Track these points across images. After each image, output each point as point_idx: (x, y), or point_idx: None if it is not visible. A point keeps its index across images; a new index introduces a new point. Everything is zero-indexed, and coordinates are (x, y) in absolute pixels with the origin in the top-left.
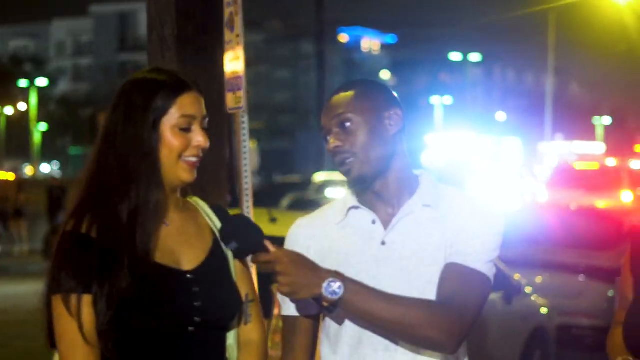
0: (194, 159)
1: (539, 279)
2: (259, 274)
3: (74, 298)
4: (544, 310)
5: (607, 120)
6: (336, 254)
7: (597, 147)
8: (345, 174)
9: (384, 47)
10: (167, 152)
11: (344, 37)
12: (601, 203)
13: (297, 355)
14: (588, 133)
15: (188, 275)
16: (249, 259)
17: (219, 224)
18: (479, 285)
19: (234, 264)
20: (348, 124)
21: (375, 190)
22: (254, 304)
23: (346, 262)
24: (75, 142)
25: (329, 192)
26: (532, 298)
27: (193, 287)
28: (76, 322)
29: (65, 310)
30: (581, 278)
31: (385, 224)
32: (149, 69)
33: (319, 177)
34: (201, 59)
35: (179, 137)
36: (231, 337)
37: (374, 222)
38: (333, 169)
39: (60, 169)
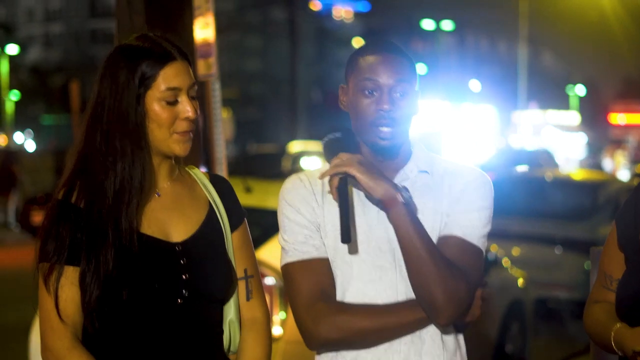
0: (185, 131)
1: (515, 251)
2: None
3: (56, 268)
4: (520, 283)
5: (581, 89)
6: (333, 215)
7: (572, 116)
8: (383, 137)
9: (356, 15)
10: (155, 126)
11: (315, 5)
12: (576, 173)
13: (329, 288)
14: (562, 102)
15: (176, 247)
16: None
17: (216, 196)
18: (477, 259)
19: (231, 238)
20: (401, 95)
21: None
22: (254, 280)
23: None
24: (47, 110)
25: (304, 162)
26: (509, 270)
27: (181, 259)
28: (52, 293)
29: (45, 283)
30: (557, 250)
31: None
32: (137, 35)
33: (295, 146)
34: (170, 24)
35: (165, 111)
36: (231, 312)
37: None
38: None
39: (33, 138)
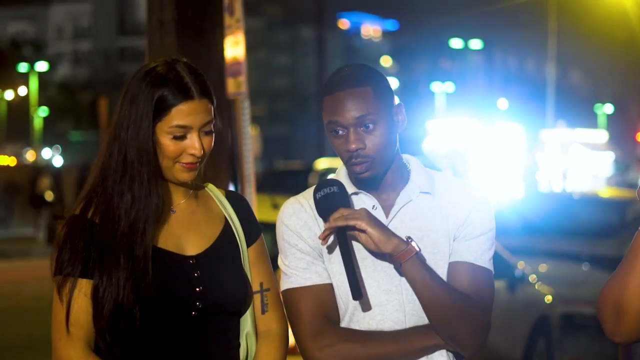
0: (189, 163)
1: (542, 268)
2: None
3: (69, 280)
4: (548, 299)
5: (609, 108)
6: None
7: (600, 135)
8: (359, 173)
9: (384, 33)
10: (161, 155)
11: (344, 23)
12: (604, 191)
13: (333, 314)
14: (590, 121)
15: (190, 261)
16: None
17: (232, 212)
18: (490, 283)
19: (247, 252)
20: (370, 126)
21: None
22: (271, 293)
23: (352, 247)
24: (75, 127)
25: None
26: (536, 286)
27: (195, 272)
28: (65, 304)
29: (59, 294)
30: (584, 267)
31: (385, 210)
32: (166, 60)
33: (321, 163)
34: (201, 43)
35: (172, 144)
36: (248, 325)
37: (374, 208)
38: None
39: (61, 154)
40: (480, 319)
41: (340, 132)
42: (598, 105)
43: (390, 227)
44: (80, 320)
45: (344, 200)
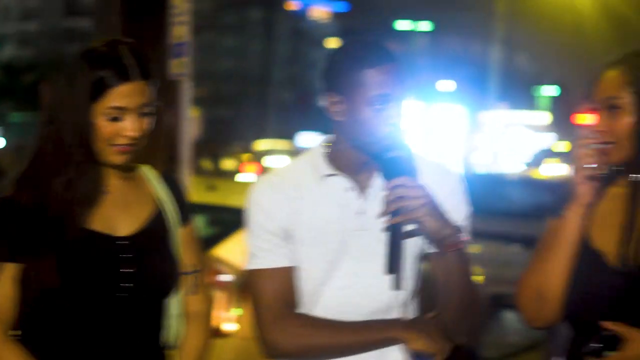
0: (124, 146)
1: (474, 249)
2: None
3: None
4: (479, 279)
5: (553, 90)
6: (314, 219)
7: (542, 117)
8: (388, 150)
9: (332, 15)
10: (96, 137)
11: (292, 5)
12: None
13: (293, 298)
14: (534, 103)
15: (121, 242)
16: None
17: (165, 193)
18: (470, 263)
19: (178, 234)
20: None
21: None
22: (200, 275)
23: (323, 228)
24: (17, 108)
25: (269, 160)
26: None
27: (125, 253)
28: None
29: None
30: (515, 247)
31: (361, 192)
32: (109, 40)
33: (261, 145)
34: (146, 23)
35: (107, 126)
36: (175, 307)
37: (349, 190)
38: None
39: (2, 135)
40: (478, 303)
41: (386, 105)
42: (541, 87)
43: (364, 209)
44: (3, 306)
45: (410, 167)
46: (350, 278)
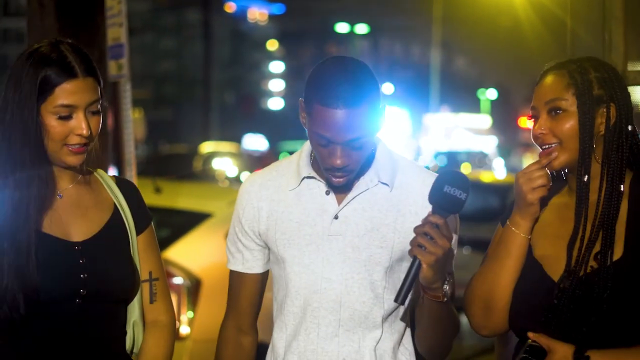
0: (77, 146)
1: None
2: None
3: None
4: None
5: (492, 93)
6: (289, 221)
7: (483, 120)
8: (336, 183)
9: (271, 17)
10: (47, 138)
11: (230, 7)
12: (486, 176)
13: (242, 304)
14: (474, 106)
15: (76, 247)
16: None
17: (122, 198)
18: (451, 312)
19: (136, 240)
20: (360, 146)
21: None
22: (160, 283)
23: (298, 231)
24: None
25: (215, 163)
26: None
27: (80, 258)
28: None
29: None
30: (465, 250)
31: (339, 197)
32: (51, 41)
33: (206, 147)
34: (81, 25)
35: (58, 125)
36: (135, 314)
37: (327, 194)
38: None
39: None
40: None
41: (328, 146)
42: (482, 90)
43: (342, 214)
44: None
45: (459, 209)
46: (322, 283)
